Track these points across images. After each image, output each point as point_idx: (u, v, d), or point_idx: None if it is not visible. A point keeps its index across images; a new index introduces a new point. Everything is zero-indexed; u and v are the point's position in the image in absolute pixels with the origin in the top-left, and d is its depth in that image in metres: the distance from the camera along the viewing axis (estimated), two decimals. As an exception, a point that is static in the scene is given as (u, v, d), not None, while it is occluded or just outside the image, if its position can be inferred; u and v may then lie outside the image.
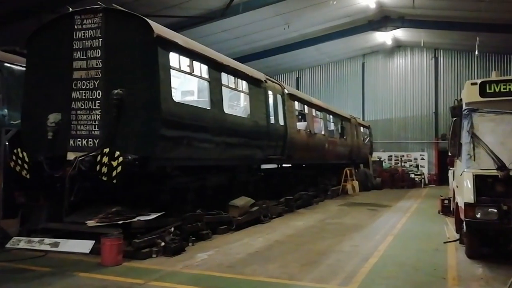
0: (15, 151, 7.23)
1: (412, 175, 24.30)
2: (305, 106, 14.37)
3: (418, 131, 26.94)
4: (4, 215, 7.33)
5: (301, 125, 13.72)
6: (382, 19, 21.86)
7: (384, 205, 14.30)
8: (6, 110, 9.50)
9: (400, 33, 24.32)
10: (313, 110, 15.14)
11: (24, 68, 8.04)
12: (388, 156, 26.81)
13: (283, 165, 12.70)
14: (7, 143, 7.40)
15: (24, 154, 7.16)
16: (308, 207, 13.40)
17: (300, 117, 14.52)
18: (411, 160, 26.37)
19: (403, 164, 26.05)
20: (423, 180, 24.42)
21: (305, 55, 25.56)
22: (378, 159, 25.17)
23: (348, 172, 18.59)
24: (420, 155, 26.44)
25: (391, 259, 6.70)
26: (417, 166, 25.78)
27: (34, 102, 7.50)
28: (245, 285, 5.41)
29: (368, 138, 24.27)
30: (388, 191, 20.93)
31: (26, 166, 7.14)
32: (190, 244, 7.35)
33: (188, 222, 7.62)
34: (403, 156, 26.58)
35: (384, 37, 24.75)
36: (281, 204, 11.68)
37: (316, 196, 14.90)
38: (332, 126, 17.86)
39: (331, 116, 17.52)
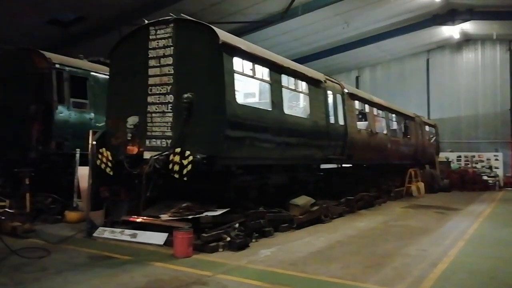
0: (100, 150, 8.06)
1: (485, 177, 22.74)
2: (366, 105, 14.18)
3: (491, 130, 25.19)
4: (92, 207, 8.19)
5: (362, 125, 13.56)
6: (448, 13, 20.78)
7: (453, 209, 13.57)
8: (92, 114, 10.69)
9: (469, 26, 22.96)
10: (374, 109, 14.88)
11: (107, 77, 8.97)
12: (457, 157, 25.37)
13: (343, 165, 12.65)
14: (94, 143, 8.21)
15: (108, 153, 7.97)
16: (369, 208, 13.16)
17: (360, 116, 14.36)
18: (483, 161, 24.68)
19: (473, 165, 24.54)
20: (497, 182, 22.80)
21: (365, 53, 25.05)
22: (445, 160, 23.93)
23: (412, 173, 17.98)
24: (494, 155, 24.63)
25: (463, 265, 6.33)
26: (490, 167, 24.06)
27: (116, 107, 8.34)
28: (307, 284, 5.44)
29: (434, 137, 23.20)
30: (457, 193, 19.81)
31: (109, 164, 7.93)
32: (253, 240, 7.57)
33: (251, 219, 7.91)
34: (473, 156, 25.01)
35: (451, 31, 23.47)
36: (341, 204, 11.64)
37: (378, 197, 14.61)
38: (395, 125, 17.38)
39: (393, 115, 17.06)
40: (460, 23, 21.57)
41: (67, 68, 10.37)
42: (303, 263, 6.30)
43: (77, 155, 9.53)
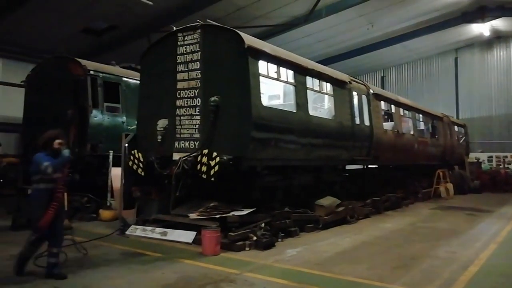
0: (132, 152, 8.42)
1: (518, 178, 22.00)
2: (392, 106, 14.07)
3: (524, 129, 24.38)
4: (124, 206, 8.56)
5: (388, 125, 13.47)
6: (478, 10, 20.30)
7: (485, 210, 13.20)
8: (124, 117, 11.18)
9: (500, 23, 22.32)
10: (401, 110, 14.74)
11: (138, 82, 9.35)
12: (488, 157, 24.60)
13: (369, 166, 12.61)
14: (126, 145, 8.61)
15: (140, 154, 8.31)
16: (396, 209, 13.00)
17: (386, 117, 14.26)
18: (516, 161, 23.92)
19: (506, 165, 23.75)
20: (531, 183, 21.96)
21: (390, 53, 24.75)
22: (476, 160, 23.28)
23: (441, 173, 17.62)
24: (528, 155, 23.84)
25: (496, 269, 6.16)
26: (523, 168, 23.29)
27: (147, 110, 8.70)
28: (334, 284, 5.45)
29: (464, 137, 22.63)
30: (488, 195, 19.19)
31: (141, 165, 8.27)
32: (279, 240, 7.68)
33: (277, 219, 8.03)
34: (506, 157, 24.20)
35: (480, 28, 22.86)
36: (367, 205, 11.61)
37: (405, 198, 14.44)
38: (422, 126, 17.12)
39: (420, 115, 16.82)
40: (490, 20, 21.02)
41: (100, 75, 10.91)
42: (329, 263, 6.33)
43: (111, 157, 10.00)
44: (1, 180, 7.65)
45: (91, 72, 10.66)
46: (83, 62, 10.78)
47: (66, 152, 5.61)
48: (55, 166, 5.42)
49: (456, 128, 21.46)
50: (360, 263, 6.33)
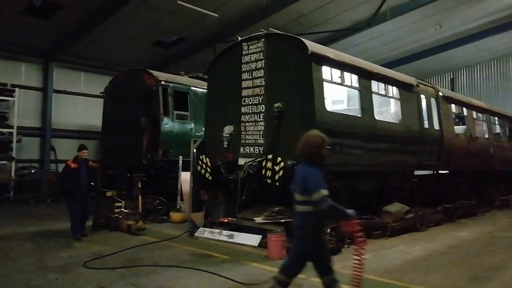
0: (200, 157, 8.83)
1: None
2: (464, 108, 13.30)
3: None
4: (193, 209, 8.96)
5: (459, 129, 12.78)
6: (561, 3, 18.55)
7: None
8: (193, 124, 11.79)
9: None
10: (473, 112, 13.87)
11: (205, 90, 9.81)
12: None
13: (440, 172, 12.00)
14: (194, 151, 9.04)
15: (207, 159, 8.69)
16: (471, 217, 12.24)
17: (457, 120, 13.52)
18: None
19: None
20: None
21: (460, 54, 23.31)
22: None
23: (521, 180, 16.25)
24: None
25: None
26: None
27: (213, 117, 9.09)
28: None
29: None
30: None
31: (208, 169, 8.65)
32: (345, 246, 7.57)
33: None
34: None
35: None
36: (438, 212, 11.07)
37: (479, 206, 13.52)
38: (498, 129, 15.96)
39: (496, 118, 15.69)
40: None
41: (171, 84, 11.62)
42: (399, 271, 6.16)
43: (180, 162, 10.54)
44: (93, 184, 8.42)
45: (162, 83, 11.38)
46: (155, 73, 11.53)
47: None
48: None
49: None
50: (432, 273, 6.09)
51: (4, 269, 6.00)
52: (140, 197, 9.65)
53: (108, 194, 9.35)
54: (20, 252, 7.03)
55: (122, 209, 9.20)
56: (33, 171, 15.64)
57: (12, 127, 14.82)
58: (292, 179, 4.18)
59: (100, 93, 13.56)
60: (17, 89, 15.18)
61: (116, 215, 9.05)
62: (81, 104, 17.95)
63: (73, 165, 8.34)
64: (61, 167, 15.83)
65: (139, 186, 9.64)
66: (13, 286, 5.28)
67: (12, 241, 7.89)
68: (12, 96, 14.90)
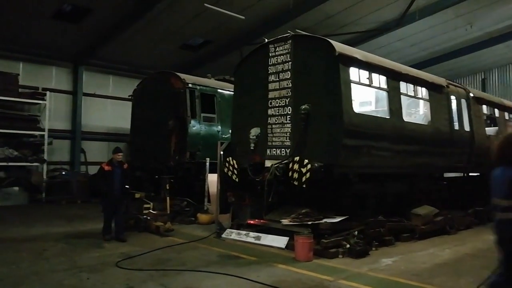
0: (227, 159, 8.89)
1: None
2: (495, 110, 12.92)
3: None
4: (220, 211, 9.03)
5: (491, 131, 12.40)
6: None
7: None
8: (219, 127, 11.90)
9: None
10: (506, 114, 13.44)
11: (231, 93, 9.89)
12: None
13: (470, 174, 11.67)
14: (221, 153, 9.11)
15: (234, 161, 8.75)
16: (504, 222, 11.85)
17: (489, 121, 13.13)
18: None
19: None
20: None
21: (492, 54, 22.56)
22: None
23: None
24: None
25: None
26: None
27: (240, 119, 9.14)
28: None
29: None
30: None
31: (235, 171, 8.70)
32: (373, 248, 7.51)
33: (370, 227, 7.86)
34: None
35: None
36: (469, 215, 10.77)
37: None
38: (532, 131, 15.37)
39: (531, 119, 15.11)
40: None
41: (198, 87, 11.76)
42: (429, 274, 6.06)
43: (207, 163, 10.62)
44: (127, 186, 8.53)
45: (190, 85, 11.53)
46: (182, 76, 11.69)
47: None
48: None
49: None
50: (463, 276, 5.96)
51: (38, 268, 6.18)
52: (168, 198, 9.80)
53: (137, 195, 9.53)
54: (53, 252, 7.23)
55: (151, 211, 9.35)
56: (63, 172, 16.07)
57: (43, 130, 15.29)
58: (492, 186, 3.87)
59: (129, 96, 13.86)
60: (48, 93, 15.60)
61: (145, 216, 9.19)
62: (110, 107, 18.38)
63: (106, 168, 8.35)
64: (90, 169, 16.34)
65: (167, 187, 9.78)
66: (47, 285, 5.44)
67: (45, 241, 8.11)
68: (43, 99, 15.35)
